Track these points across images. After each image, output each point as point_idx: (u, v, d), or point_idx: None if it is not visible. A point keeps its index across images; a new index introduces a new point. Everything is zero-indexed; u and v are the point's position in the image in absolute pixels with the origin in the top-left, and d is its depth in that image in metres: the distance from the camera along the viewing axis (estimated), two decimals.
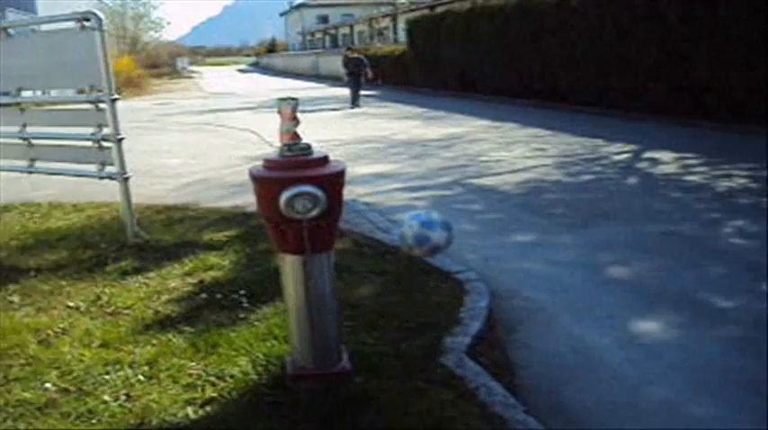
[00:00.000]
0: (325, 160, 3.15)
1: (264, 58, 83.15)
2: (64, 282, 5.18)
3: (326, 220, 3.07)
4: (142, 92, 37.93)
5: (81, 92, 7.64)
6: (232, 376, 3.55)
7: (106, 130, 5.93)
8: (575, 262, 5.72)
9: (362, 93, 22.26)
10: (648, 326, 4.44)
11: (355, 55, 22.85)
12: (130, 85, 37.06)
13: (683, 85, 13.87)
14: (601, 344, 4.21)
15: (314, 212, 2.99)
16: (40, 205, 8.02)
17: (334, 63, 38.57)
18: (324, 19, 72.08)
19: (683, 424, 3.36)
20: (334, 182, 3.09)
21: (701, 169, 9.35)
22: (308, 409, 3.19)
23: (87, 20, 5.60)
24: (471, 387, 3.43)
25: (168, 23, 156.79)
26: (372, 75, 22.18)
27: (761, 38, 12.21)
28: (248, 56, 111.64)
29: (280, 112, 3.16)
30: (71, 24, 5.83)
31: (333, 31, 62.98)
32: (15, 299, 4.94)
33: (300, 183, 2.97)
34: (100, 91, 5.78)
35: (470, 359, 3.76)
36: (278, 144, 3.16)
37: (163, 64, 71.08)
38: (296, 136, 3.15)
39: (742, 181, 8.48)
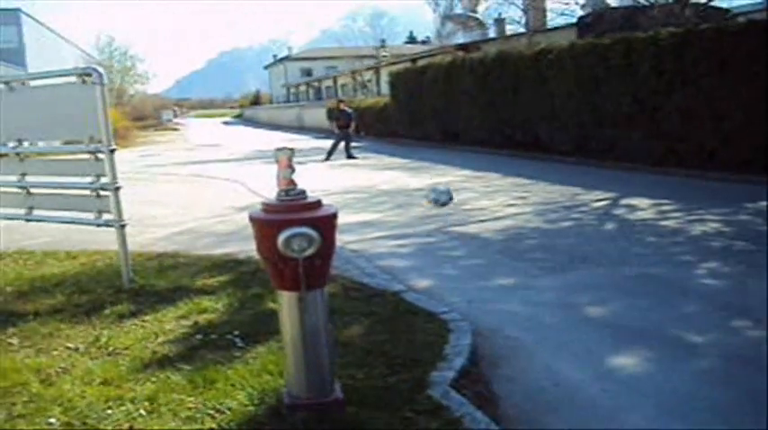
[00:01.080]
0: (318, 204, 3.43)
1: (249, 110, 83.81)
2: (62, 325, 5.36)
3: (320, 259, 3.33)
4: (128, 143, 38.25)
5: (69, 142, 7.91)
6: (230, 408, 3.75)
7: (104, 179, 6.19)
8: (554, 303, 5.96)
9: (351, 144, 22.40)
10: (624, 361, 4.68)
11: (344, 107, 22.98)
12: (117, 137, 37.02)
13: (656, 133, 14.31)
14: (579, 378, 4.44)
15: (309, 251, 3.25)
16: (34, 253, 8.19)
17: (318, 115, 39.03)
18: (307, 72, 73.13)
19: None
20: (327, 223, 3.36)
21: (676, 214, 9.67)
22: None
23: (89, 75, 5.90)
24: (457, 416, 3.64)
25: (154, 75, 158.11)
26: (354, 128, 22.19)
27: (726, 90, 12.70)
28: (233, 108, 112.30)
29: (277, 161, 3.45)
30: (71, 79, 6.13)
31: (316, 84, 63.75)
32: (14, 341, 5.11)
33: (297, 225, 3.23)
34: (99, 141, 6.04)
35: (455, 391, 3.98)
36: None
37: (148, 116, 71.48)
38: (292, 182, 3.43)
39: (715, 225, 8.80)
